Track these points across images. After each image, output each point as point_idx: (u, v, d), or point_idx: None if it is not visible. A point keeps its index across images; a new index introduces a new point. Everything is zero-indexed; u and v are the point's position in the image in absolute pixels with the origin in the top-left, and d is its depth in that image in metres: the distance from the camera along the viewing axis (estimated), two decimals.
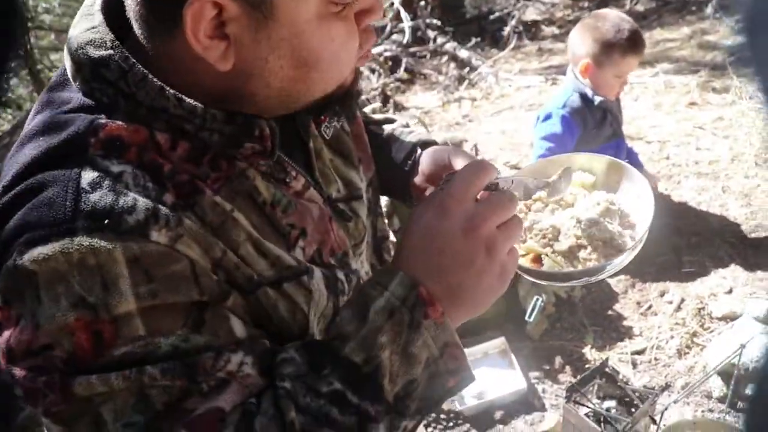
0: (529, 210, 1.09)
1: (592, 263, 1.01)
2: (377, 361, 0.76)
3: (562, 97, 2.94)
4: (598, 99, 2.86)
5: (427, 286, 0.78)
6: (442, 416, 2.50)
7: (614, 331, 2.74)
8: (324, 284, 0.92)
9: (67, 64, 0.83)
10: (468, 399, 2.49)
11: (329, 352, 0.78)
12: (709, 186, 3.39)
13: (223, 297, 0.79)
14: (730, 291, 2.77)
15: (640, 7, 6.30)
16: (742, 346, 2.09)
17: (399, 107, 4.90)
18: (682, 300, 2.79)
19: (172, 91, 0.78)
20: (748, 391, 2.26)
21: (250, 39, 0.77)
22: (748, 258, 2.93)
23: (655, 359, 2.59)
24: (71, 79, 0.83)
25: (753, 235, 3.06)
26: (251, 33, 0.77)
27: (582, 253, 1.02)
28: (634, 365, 2.58)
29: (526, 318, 2.68)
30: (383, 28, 5.85)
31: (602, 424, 2.18)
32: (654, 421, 2.11)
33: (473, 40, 5.86)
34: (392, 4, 5.68)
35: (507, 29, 6.02)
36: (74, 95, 0.81)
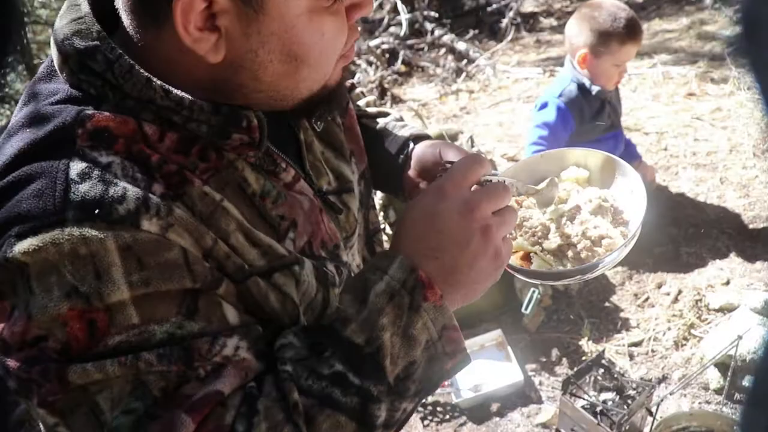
0: (520, 206, 1.08)
1: (582, 262, 1.00)
2: (378, 342, 0.77)
3: (558, 87, 2.93)
4: (595, 89, 2.85)
5: (424, 268, 0.80)
6: (439, 409, 2.50)
7: (611, 323, 2.73)
8: (314, 276, 0.92)
9: (54, 55, 0.83)
10: (464, 392, 2.49)
11: (330, 335, 0.79)
12: (707, 177, 3.38)
13: (216, 284, 0.79)
14: (728, 282, 2.76)
15: None
16: (739, 338, 2.08)
17: (396, 100, 4.88)
18: (680, 291, 2.77)
19: (159, 82, 0.78)
20: (745, 382, 2.25)
21: (240, 32, 0.77)
22: (745, 249, 2.92)
23: (652, 351, 2.58)
24: (58, 71, 0.82)
25: (751, 226, 3.05)
26: (241, 26, 0.77)
27: (571, 252, 1.01)
28: (631, 357, 2.57)
29: (523, 310, 2.67)
30: (381, 20, 5.83)
31: (599, 416, 2.18)
32: (650, 413, 2.10)
33: (471, 32, 5.85)
34: None
35: (505, 21, 5.99)
36: (61, 87, 0.81)
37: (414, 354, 0.80)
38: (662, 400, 1.96)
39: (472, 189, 0.86)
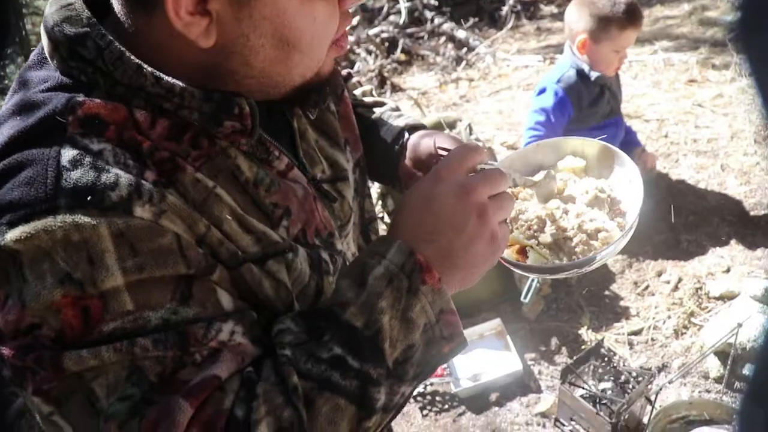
0: (516, 198, 1.06)
1: (578, 256, 0.99)
2: (378, 325, 0.77)
3: (557, 72, 2.91)
4: (594, 74, 2.83)
5: (422, 252, 0.80)
6: (438, 398, 2.49)
7: (611, 311, 2.72)
8: (308, 263, 0.92)
9: (44, 42, 0.82)
10: (463, 381, 2.48)
11: (328, 319, 0.79)
12: (708, 164, 3.35)
13: (210, 270, 0.78)
14: (728, 270, 2.75)
15: None
16: (739, 326, 2.07)
17: (396, 88, 4.86)
18: (680, 280, 2.76)
19: (149, 69, 0.78)
20: (745, 371, 2.24)
21: (231, 16, 0.77)
22: (746, 237, 2.90)
23: (652, 340, 2.57)
24: (48, 58, 0.82)
25: (752, 213, 3.03)
26: (233, 10, 0.76)
27: (568, 245, 1.00)
28: (631, 346, 2.56)
29: (522, 299, 2.66)
30: (380, 9, 5.79)
31: (597, 405, 2.17)
32: (650, 402, 2.10)
33: (471, 21, 5.81)
34: None
35: (505, 9, 5.94)
36: (51, 74, 0.80)
37: (413, 337, 0.79)
38: (660, 389, 1.95)
39: (469, 175, 0.86)
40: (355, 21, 5.52)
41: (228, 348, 0.78)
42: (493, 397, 2.46)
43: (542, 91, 2.94)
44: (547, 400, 2.41)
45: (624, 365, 2.31)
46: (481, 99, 4.54)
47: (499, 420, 2.39)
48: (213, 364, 0.76)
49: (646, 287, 2.79)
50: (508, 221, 0.99)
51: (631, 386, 2.22)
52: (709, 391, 2.35)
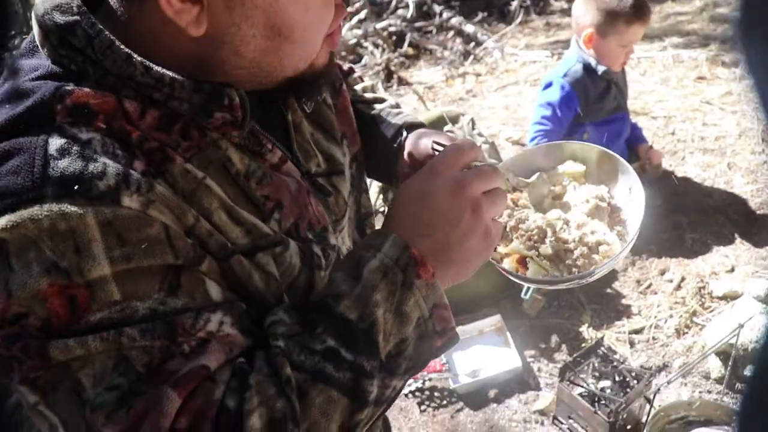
0: (516, 205, 1.06)
1: (579, 268, 0.99)
2: (372, 318, 0.77)
3: (564, 67, 2.89)
4: (601, 69, 2.80)
5: (417, 246, 0.80)
6: (436, 394, 2.48)
7: (612, 309, 2.69)
8: (299, 258, 0.91)
9: (35, 30, 0.81)
10: (462, 377, 2.47)
11: (322, 311, 0.79)
12: (715, 162, 3.32)
13: (198, 261, 0.78)
14: (732, 270, 2.72)
15: None
16: (740, 326, 2.04)
17: (403, 82, 4.85)
18: (683, 278, 2.73)
19: (139, 58, 0.77)
20: (746, 372, 2.21)
21: (223, 5, 0.76)
22: (752, 236, 2.87)
23: (653, 339, 2.55)
24: (39, 46, 0.81)
25: (758, 213, 3.00)
26: None
27: (568, 257, 1.00)
28: (632, 344, 2.54)
29: (522, 295, 2.64)
30: (388, 2, 5.77)
31: (596, 404, 2.15)
32: (649, 402, 2.07)
33: (480, 15, 5.78)
34: None
35: (514, 3, 5.91)
36: (42, 62, 0.80)
37: (406, 331, 0.80)
38: (658, 389, 1.93)
39: (464, 170, 0.86)
40: (363, 14, 5.51)
41: (216, 338, 0.77)
42: (492, 393, 2.44)
43: (548, 85, 2.92)
44: (545, 398, 2.40)
45: (624, 364, 2.29)
46: (488, 94, 4.52)
47: (497, 417, 2.37)
48: (201, 355, 0.75)
49: (649, 285, 2.76)
50: (508, 229, 1.02)
51: (630, 385, 2.20)
52: (710, 392, 2.33)
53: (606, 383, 2.25)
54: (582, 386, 2.18)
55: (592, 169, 1.09)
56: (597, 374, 2.26)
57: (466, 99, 4.50)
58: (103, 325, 0.71)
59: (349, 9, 5.57)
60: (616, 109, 2.99)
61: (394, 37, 5.37)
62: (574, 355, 2.30)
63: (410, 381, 2.47)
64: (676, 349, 2.49)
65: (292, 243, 0.90)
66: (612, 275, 2.83)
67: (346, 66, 1.28)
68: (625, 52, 2.85)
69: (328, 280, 0.83)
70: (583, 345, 2.51)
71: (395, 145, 1.16)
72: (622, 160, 1.07)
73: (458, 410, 2.42)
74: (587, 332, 2.61)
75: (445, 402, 2.46)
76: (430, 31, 5.62)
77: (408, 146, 1.13)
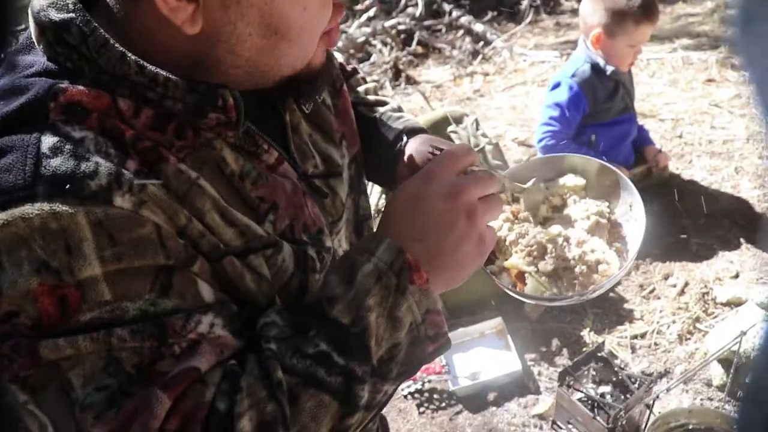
0: (516, 218, 1.06)
1: (576, 287, 0.99)
2: (365, 322, 0.77)
3: (572, 67, 2.87)
4: (610, 69, 2.78)
5: (410, 251, 0.80)
6: (435, 396, 2.47)
7: (615, 314, 2.67)
8: (293, 260, 0.91)
9: (31, 26, 0.81)
10: (461, 379, 2.46)
11: (315, 314, 0.79)
12: (722, 166, 3.29)
13: (190, 262, 0.78)
14: (737, 276, 2.69)
15: None
16: (742, 333, 2.02)
17: (411, 81, 4.84)
18: (686, 284, 2.71)
19: (133, 57, 0.77)
20: (748, 380, 2.19)
21: (218, 3, 0.76)
22: (758, 242, 2.84)
23: (655, 344, 2.52)
24: (35, 43, 0.81)
25: (765, 218, 2.96)
26: None
27: (567, 275, 1.00)
28: (633, 350, 2.52)
29: None
30: (398, 1, 5.75)
31: (595, 409, 2.13)
32: (648, 408, 2.06)
33: (489, 14, 5.76)
34: None
35: (524, 3, 5.89)
36: (38, 59, 0.80)
37: (398, 336, 0.80)
38: (657, 396, 1.91)
39: (460, 176, 0.86)
40: (372, 12, 5.50)
41: (207, 340, 0.77)
42: (491, 396, 2.43)
43: (556, 85, 2.90)
44: (545, 402, 2.38)
45: (625, 369, 2.27)
46: (495, 94, 4.49)
47: (495, 420, 2.36)
48: (192, 356, 0.75)
49: (652, 290, 2.74)
50: (507, 243, 1.02)
51: (630, 391, 2.18)
52: (711, 399, 2.30)
53: (606, 389, 2.23)
54: (581, 391, 2.17)
55: (592, 183, 1.09)
56: (597, 379, 2.24)
57: (473, 98, 4.49)
58: (93, 325, 0.71)
59: (359, 6, 5.57)
60: (623, 110, 2.97)
61: (402, 36, 5.36)
62: (574, 360, 2.29)
63: (409, 382, 2.46)
64: (678, 356, 2.47)
65: (285, 245, 0.89)
66: None
67: (349, 66, 1.28)
68: (633, 52, 2.83)
69: (322, 282, 0.83)
70: (584, 349, 2.49)
71: (395, 150, 1.15)
72: (622, 175, 1.07)
73: (457, 413, 2.41)
74: (589, 336, 2.59)
75: (444, 404, 2.45)
76: (440, 30, 5.61)
77: (408, 151, 1.12)
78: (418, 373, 2.46)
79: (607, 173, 1.08)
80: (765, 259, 2.75)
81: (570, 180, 1.09)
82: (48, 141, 0.73)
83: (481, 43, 5.28)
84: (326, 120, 1.06)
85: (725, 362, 2.26)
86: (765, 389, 0.47)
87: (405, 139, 1.15)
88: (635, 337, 2.56)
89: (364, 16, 5.49)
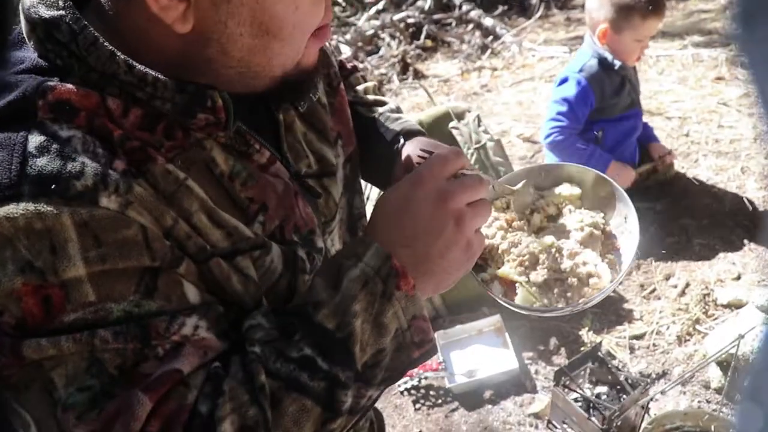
0: (510, 227, 1.06)
1: (567, 300, 0.99)
2: (350, 328, 0.77)
3: (579, 62, 2.85)
4: (618, 63, 2.76)
5: (398, 256, 0.80)
6: (431, 393, 2.46)
7: (614, 314, 2.66)
8: (282, 261, 0.90)
9: (22, 22, 0.81)
10: (458, 377, 2.45)
11: (301, 318, 0.79)
12: (728, 166, 3.26)
13: (176, 263, 0.78)
14: (739, 277, 2.66)
15: None
16: (741, 336, 2.00)
17: (419, 75, 4.82)
18: (687, 284, 2.68)
19: (122, 56, 0.76)
20: (746, 383, 2.17)
21: (208, 1, 0.75)
22: (761, 243, 2.81)
23: (654, 345, 2.51)
24: (26, 39, 0.81)
25: None
26: None
27: (558, 287, 1.00)
28: (632, 350, 2.50)
29: None
30: None
31: (591, 410, 2.12)
32: (644, 410, 2.04)
33: (500, 8, 5.72)
34: None
35: None
36: (28, 55, 0.79)
37: (383, 342, 0.80)
38: (652, 398, 1.90)
39: (449, 180, 0.86)
40: (381, 5, 5.48)
41: (191, 342, 0.77)
42: (487, 394, 2.42)
43: (564, 80, 2.88)
44: (541, 401, 2.37)
45: (622, 370, 2.25)
46: (503, 89, 4.47)
47: (491, 418, 2.36)
48: (175, 358, 0.75)
49: (653, 290, 2.72)
50: (500, 252, 1.02)
51: (627, 392, 2.17)
52: (709, 402, 2.29)
53: (602, 389, 2.22)
54: (576, 392, 2.15)
55: (587, 192, 1.09)
56: (593, 380, 2.23)
57: (480, 93, 4.46)
58: (76, 326, 0.71)
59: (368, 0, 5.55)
60: (630, 106, 2.95)
61: (411, 29, 5.33)
62: (570, 360, 2.27)
63: (406, 378, 2.45)
64: (677, 357, 2.45)
65: (274, 246, 0.89)
66: None
67: (350, 64, 1.27)
68: (640, 46, 2.81)
69: (309, 285, 0.83)
70: (582, 349, 2.48)
71: (391, 152, 1.14)
72: (618, 186, 1.07)
73: (453, 410, 2.41)
74: (587, 336, 2.57)
75: (440, 401, 2.44)
76: (449, 24, 5.58)
77: (404, 154, 1.11)
78: (415, 370, 2.46)
79: (603, 184, 1.08)
80: (767, 261, 2.72)
81: (566, 189, 1.09)
82: (35, 140, 0.72)
83: (491, 37, 5.24)
84: (321, 119, 1.05)
85: (723, 365, 2.24)
86: (764, 389, 0.45)
87: (402, 140, 1.14)
88: (634, 337, 2.55)
89: (373, 9, 5.47)
